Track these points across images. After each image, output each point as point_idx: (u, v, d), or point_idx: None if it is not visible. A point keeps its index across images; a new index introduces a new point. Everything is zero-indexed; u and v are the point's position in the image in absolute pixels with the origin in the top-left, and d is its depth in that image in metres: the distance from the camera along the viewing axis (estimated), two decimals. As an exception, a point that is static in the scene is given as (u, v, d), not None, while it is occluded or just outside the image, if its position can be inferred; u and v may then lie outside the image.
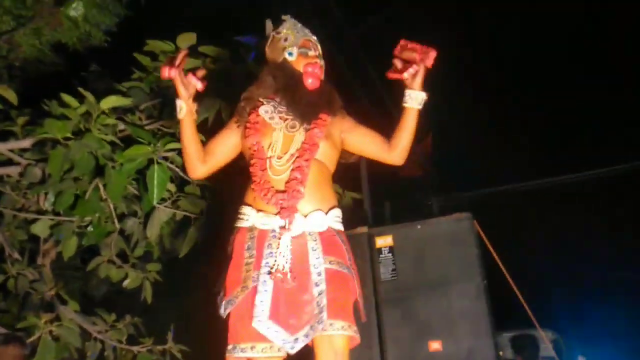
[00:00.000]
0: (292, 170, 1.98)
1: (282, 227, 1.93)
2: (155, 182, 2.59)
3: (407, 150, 2.12)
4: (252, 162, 2.05)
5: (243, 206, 2.06)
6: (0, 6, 3.72)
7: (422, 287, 2.90)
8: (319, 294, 1.88)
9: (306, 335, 1.85)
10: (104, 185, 2.73)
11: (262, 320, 1.83)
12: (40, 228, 2.97)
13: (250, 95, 2.16)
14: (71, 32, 4.00)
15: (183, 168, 2.93)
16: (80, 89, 2.59)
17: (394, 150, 2.12)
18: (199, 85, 1.91)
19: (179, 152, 2.80)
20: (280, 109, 2.12)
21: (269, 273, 1.88)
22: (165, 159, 2.75)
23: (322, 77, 2.18)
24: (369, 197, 9.46)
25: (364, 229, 3.08)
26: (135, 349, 3.32)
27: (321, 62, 2.19)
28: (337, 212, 2.06)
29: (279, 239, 1.92)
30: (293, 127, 2.07)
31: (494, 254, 3.31)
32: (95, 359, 3.32)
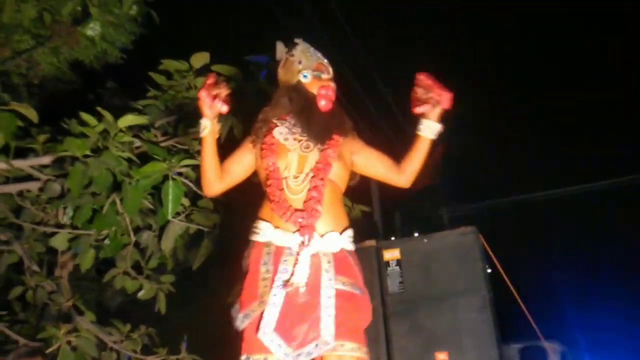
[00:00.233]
0: (309, 190, 2.04)
1: (302, 244, 1.98)
2: (170, 197, 2.68)
3: (415, 175, 2.20)
4: (268, 182, 2.10)
5: (260, 221, 2.10)
6: (20, 26, 3.85)
7: (429, 299, 2.97)
8: (328, 315, 1.92)
9: (309, 353, 1.89)
10: (121, 200, 2.82)
11: (266, 332, 1.88)
12: (59, 241, 3.06)
13: (265, 117, 2.23)
14: (88, 50, 4.13)
15: (197, 183, 3.04)
16: (99, 108, 2.69)
17: (403, 174, 2.20)
18: (224, 109, 1.99)
19: (193, 167, 2.90)
20: (294, 130, 2.18)
21: (284, 285, 1.92)
22: (180, 174, 2.84)
23: (334, 99, 2.25)
24: (379, 208, 9.54)
25: (372, 243, 3.16)
26: (149, 358, 3.39)
27: (333, 85, 2.25)
28: (350, 233, 2.12)
29: (297, 255, 1.97)
30: (307, 147, 2.13)
31: (498, 266, 3.36)
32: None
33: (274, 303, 1.92)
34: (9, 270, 3.38)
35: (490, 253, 3.26)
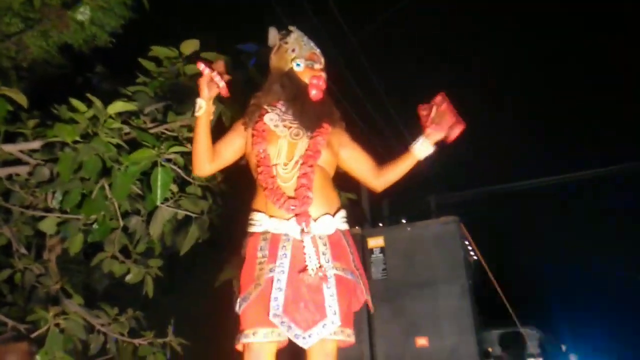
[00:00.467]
0: (299, 177, 2.10)
1: (302, 231, 2.04)
2: (159, 183, 2.71)
3: (390, 184, 2.29)
4: (259, 169, 2.14)
5: (254, 212, 2.15)
6: (9, 9, 3.84)
7: (411, 286, 3.05)
8: (331, 295, 2.00)
9: (318, 334, 1.96)
10: (110, 185, 2.85)
11: (277, 314, 1.95)
12: (48, 225, 3.08)
13: (257, 102, 2.27)
14: (77, 34, 4.13)
15: (185, 169, 3.07)
16: (89, 95, 2.71)
17: (380, 179, 2.28)
18: (222, 84, 2.03)
19: (182, 154, 2.93)
20: (285, 117, 2.22)
21: (305, 273, 1.98)
22: (169, 160, 2.87)
23: (325, 89, 2.29)
24: (367, 195, 9.61)
25: (357, 230, 3.23)
26: (136, 341, 3.45)
27: (325, 75, 2.29)
28: (343, 213, 2.19)
29: (295, 240, 2.04)
30: (297, 135, 2.18)
31: (478, 254, 3.45)
32: (98, 350, 3.44)
33: (279, 287, 1.98)
34: (-3, 253, 3.41)
35: (471, 241, 3.34)
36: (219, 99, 3.01)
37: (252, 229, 2.14)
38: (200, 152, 2.17)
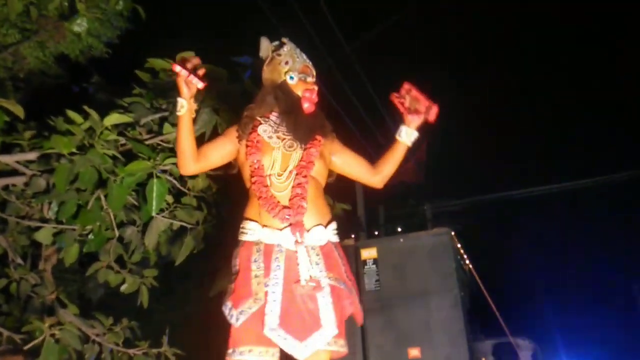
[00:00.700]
0: (293, 187, 2.13)
1: (296, 242, 2.06)
2: (155, 194, 2.74)
3: (389, 177, 2.33)
4: (253, 179, 2.17)
5: (247, 221, 2.17)
6: (6, 20, 3.86)
7: (403, 297, 3.08)
8: (326, 305, 2.02)
9: (315, 343, 1.98)
10: (105, 196, 2.87)
11: (273, 328, 1.96)
12: (44, 235, 3.10)
13: (251, 114, 2.29)
14: (74, 44, 4.16)
15: (181, 180, 3.10)
16: (85, 107, 2.74)
17: (378, 175, 2.32)
18: (200, 85, 2.02)
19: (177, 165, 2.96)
20: (278, 129, 2.25)
21: (297, 284, 2.00)
22: (164, 171, 2.90)
23: (317, 101, 2.33)
24: (363, 203, 9.63)
25: (350, 241, 3.26)
26: (131, 351, 3.45)
27: (316, 88, 2.33)
28: (334, 225, 2.22)
29: (288, 251, 2.06)
30: (291, 146, 2.21)
31: (470, 265, 3.48)
32: (93, 360, 3.45)
33: (274, 300, 1.99)
34: (-7, 263, 3.42)
35: (461, 253, 3.38)
36: (214, 110, 3.07)
37: (243, 238, 2.16)
38: (184, 151, 2.17)
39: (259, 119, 2.29)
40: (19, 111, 2.95)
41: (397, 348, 3.04)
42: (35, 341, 2.92)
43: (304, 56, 2.40)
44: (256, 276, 2.06)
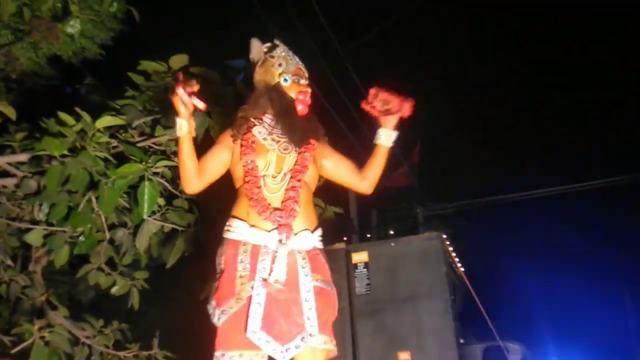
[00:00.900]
0: (287, 189, 2.13)
1: (280, 241, 2.06)
2: (146, 197, 2.74)
3: (376, 182, 2.33)
4: (246, 179, 2.17)
5: (234, 219, 2.16)
6: (-1, 20, 3.86)
7: (394, 301, 3.09)
8: (309, 308, 2.03)
9: (297, 346, 1.99)
10: (96, 198, 2.87)
11: (255, 330, 1.96)
12: (34, 237, 3.09)
13: (245, 115, 2.29)
14: (67, 46, 4.15)
15: (172, 182, 3.10)
16: (77, 109, 2.73)
17: (365, 181, 2.33)
18: (201, 105, 2.01)
19: (169, 167, 2.96)
20: (273, 131, 2.26)
21: (264, 280, 2.00)
22: (156, 173, 2.90)
23: (310, 104, 2.34)
24: (355, 206, 9.65)
25: (341, 245, 3.27)
26: (121, 354, 3.44)
27: (310, 90, 2.33)
28: (320, 232, 2.23)
29: (275, 253, 2.05)
30: (286, 149, 2.21)
31: (460, 270, 3.50)
32: (82, 363, 3.43)
33: (257, 302, 1.99)
34: (-18, 264, 3.40)
35: (453, 258, 3.40)
36: (206, 113, 3.07)
37: (229, 235, 2.15)
38: (187, 171, 2.16)
39: (252, 120, 2.29)
40: (11, 112, 2.95)
41: (387, 352, 3.05)
42: (25, 343, 2.91)
43: (297, 58, 2.41)
44: (241, 276, 2.06)
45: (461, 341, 3.24)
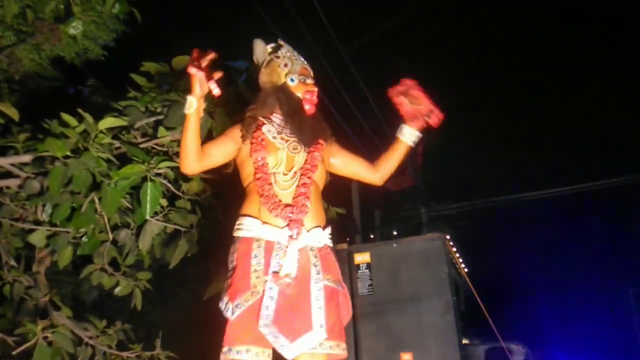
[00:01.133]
0: (298, 186, 2.16)
1: (290, 237, 2.08)
2: (149, 197, 2.74)
3: (389, 175, 2.36)
4: (257, 176, 2.19)
5: (245, 217, 2.18)
6: (2, 22, 3.87)
7: (396, 302, 3.09)
8: (318, 308, 2.04)
9: (304, 344, 1.99)
10: (99, 199, 2.87)
11: (267, 324, 1.97)
12: (37, 238, 3.10)
13: (254, 114, 2.31)
14: (70, 47, 4.17)
15: (175, 183, 3.10)
16: (80, 110, 2.74)
17: (378, 172, 2.35)
18: (217, 91, 2.03)
19: (172, 168, 2.96)
20: (282, 130, 2.28)
21: (274, 274, 2.02)
22: (159, 174, 2.90)
23: (317, 103, 2.35)
24: (359, 206, 9.65)
25: (344, 246, 3.27)
26: (124, 354, 3.45)
27: (316, 90, 2.35)
28: (329, 230, 2.24)
29: (286, 248, 2.07)
30: (295, 148, 2.24)
31: (462, 271, 3.50)
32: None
33: (270, 296, 2.01)
34: (-14, 265, 3.41)
35: (457, 259, 3.39)
36: (208, 114, 3.08)
37: (241, 234, 2.16)
38: (189, 150, 2.17)
39: (261, 119, 2.31)
40: (14, 114, 2.95)
41: (389, 353, 3.05)
42: (28, 344, 2.92)
43: (302, 58, 2.42)
44: (255, 270, 2.06)
45: (464, 342, 3.23)
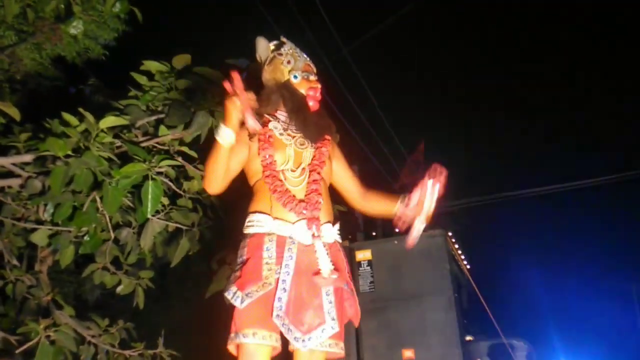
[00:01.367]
0: (309, 182, 2.16)
1: (314, 235, 2.09)
2: (150, 196, 2.74)
3: (371, 213, 2.38)
4: (265, 173, 2.18)
5: (255, 214, 2.18)
6: (3, 22, 3.88)
7: (398, 299, 3.09)
8: (329, 302, 2.05)
9: (317, 337, 2.00)
10: (101, 198, 2.88)
11: (280, 315, 1.98)
12: (39, 237, 3.11)
13: (260, 112, 2.27)
14: (70, 46, 4.18)
15: (176, 181, 3.11)
16: (81, 109, 2.75)
17: (364, 203, 2.36)
18: (256, 127, 2.02)
19: (173, 166, 2.97)
20: (288, 127, 2.28)
21: (323, 279, 2.03)
22: (160, 173, 2.91)
23: (320, 99, 2.35)
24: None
25: (345, 243, 3.27)
26: (127, 353, 3.46)
27: (320, 86, 2.35)
28: (338, 226, 2.25)
29: (300, 244, 2.08)
30: (302, 144, 2.24)
31: (465, 268, 3.49)
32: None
33: (283, 288, 2.01)
34: (-12, 264, 3.42)
35: (458, 255, 3.39)
36: (209, 112, 3.08)
37: (252, 230, 2.16)
38: (217, 175, 2.16)
39: (267, 116, 2.31)
40: (15, 113, 2.96)
41: (391, 349, 3.06)
42: (31, 343, 2.93)
43: (304, 54, 2.42)
44: (267, 263, 2.07)
45: (466, 338, 3.23)
